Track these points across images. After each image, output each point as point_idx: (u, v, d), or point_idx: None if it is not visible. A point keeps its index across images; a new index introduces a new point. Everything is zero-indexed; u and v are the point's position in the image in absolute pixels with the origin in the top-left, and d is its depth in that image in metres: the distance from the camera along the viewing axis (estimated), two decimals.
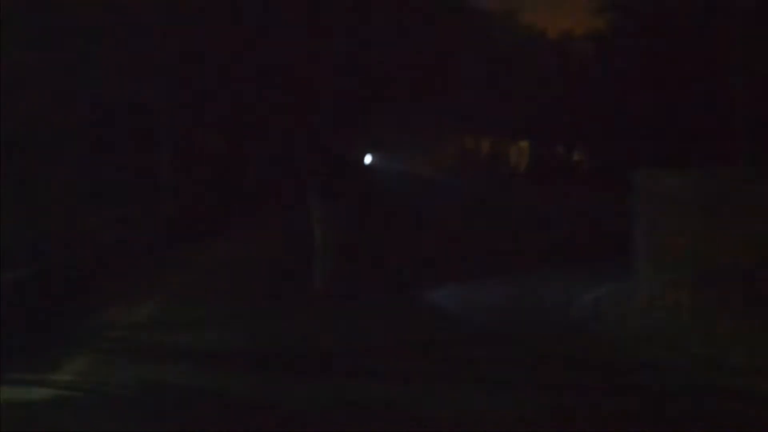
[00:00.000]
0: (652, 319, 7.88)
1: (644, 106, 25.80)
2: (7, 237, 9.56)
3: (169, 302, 9.53)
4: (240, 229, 16.78)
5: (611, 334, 7.71)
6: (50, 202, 11.72)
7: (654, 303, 8.04)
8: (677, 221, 7.67)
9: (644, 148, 26.04)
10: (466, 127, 42.97)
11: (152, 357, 7.17)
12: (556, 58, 35.78)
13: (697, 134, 22.59)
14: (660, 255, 8.02)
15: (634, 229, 8.72)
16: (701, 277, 7.37)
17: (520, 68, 35.93)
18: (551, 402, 5.75)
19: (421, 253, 12.67)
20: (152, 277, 11.07)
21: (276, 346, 7.50)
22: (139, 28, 14.46)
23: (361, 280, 9.66)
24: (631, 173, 8.84)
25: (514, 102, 35.62)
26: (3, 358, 6.61)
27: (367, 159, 35.29)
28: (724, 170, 9.39)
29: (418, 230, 16.05)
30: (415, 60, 26.04)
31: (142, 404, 5.91)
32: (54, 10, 12.47)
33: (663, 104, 24.75)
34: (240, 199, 19.62)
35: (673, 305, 7.71)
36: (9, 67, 11.04)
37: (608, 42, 29.57)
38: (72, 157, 12.75)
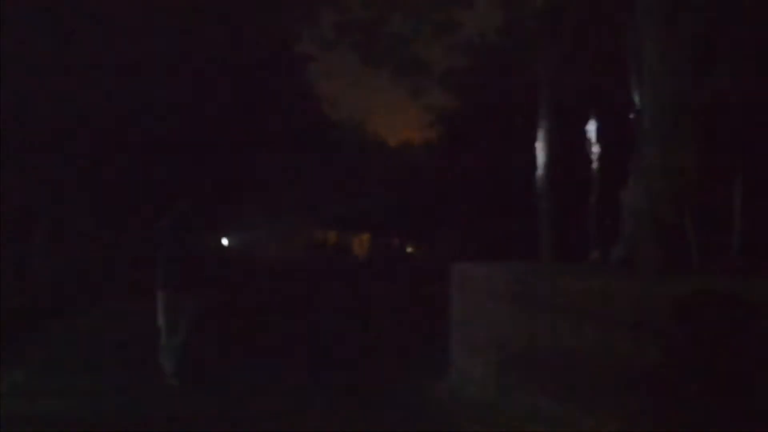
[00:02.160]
0: (465, 394, 8.92)
1: (465, 207, 29.45)
2: None
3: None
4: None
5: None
6: None
7: (465, 381, 9.09)
8: (484, 308, 8.80)
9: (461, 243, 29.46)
10: (316, 220, 47.04)
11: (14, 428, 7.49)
12: (394, 163, 42.63)
13: (508, 232, 25.31)
14: (470, 338, 9.12)
15: (450, 315, 9.82)
16: (505, 358, 8.42)
17: (364, 171, 41.30)
18: None
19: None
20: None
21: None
22: None
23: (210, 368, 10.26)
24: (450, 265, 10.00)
25: (357, 199, 40.68)
26: None
27: (224, 241, 36.55)
28: (526, 265, 10.67)
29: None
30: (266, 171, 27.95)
31: None
32: None
33: (479, 204, 28.46)
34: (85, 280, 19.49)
35: (481, 383, 8.76)
36: None
37: (436, 150, 35.45)
38: None
